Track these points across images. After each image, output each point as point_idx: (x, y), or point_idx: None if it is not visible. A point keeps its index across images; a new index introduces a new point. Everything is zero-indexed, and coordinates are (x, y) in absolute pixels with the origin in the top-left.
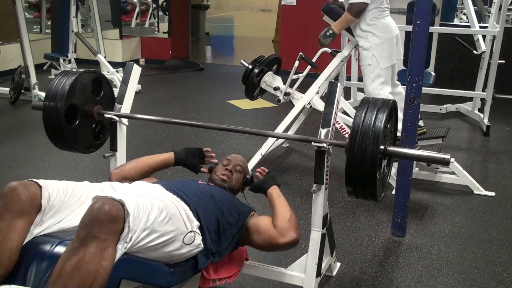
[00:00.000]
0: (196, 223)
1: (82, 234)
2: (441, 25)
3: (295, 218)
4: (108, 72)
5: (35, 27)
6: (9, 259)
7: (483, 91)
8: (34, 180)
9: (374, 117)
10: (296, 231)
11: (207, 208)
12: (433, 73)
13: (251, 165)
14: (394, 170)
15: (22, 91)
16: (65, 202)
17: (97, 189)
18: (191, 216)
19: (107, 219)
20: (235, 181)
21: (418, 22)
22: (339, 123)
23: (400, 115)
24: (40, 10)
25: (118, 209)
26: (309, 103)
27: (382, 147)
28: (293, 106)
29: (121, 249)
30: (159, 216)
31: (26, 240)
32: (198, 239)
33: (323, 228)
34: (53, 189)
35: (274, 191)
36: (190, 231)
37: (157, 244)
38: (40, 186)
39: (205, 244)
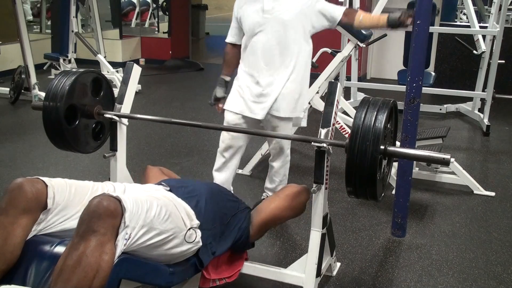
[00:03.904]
0: (196, 222)
1: (81, 229)
2: (441, 25)
3: None
4: (108, 72)
5: (35, 27)
6: (11, 254)
7: (483, 91)
8: (41, 178)
9: (374, 117)
10: None
11: (209, 205)
12: (433, 73)
13: (251, 165)
14: (394, 170)
15: (22, 91)
16: (69, 200)
17: (99, 189)
18: (192, 214)
19: (105, 214)
20: None
21: (418, 22)
22: (339, 123)
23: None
24: (40, 10)
25: (115, 204)
26: (309, 103)
27: (382, 147)
28: None
29: (120, 246)
30: (158, 213)
31: (28, 236)
32: (198, 236)
33: (323, 228)
34: (58, 188)
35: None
36: (189, 229)
37: (156, 242)
38: (46, 185)
39: (206, 241)
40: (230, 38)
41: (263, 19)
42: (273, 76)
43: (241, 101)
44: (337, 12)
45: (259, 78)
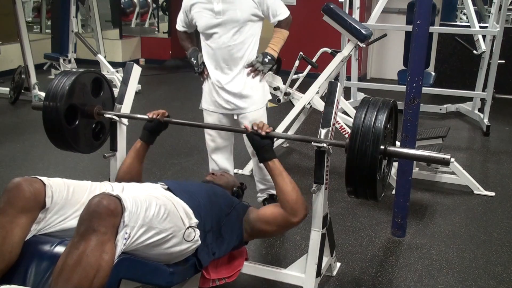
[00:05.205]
0: (194, 220)
1: (81, 228)
2: (441, 25)
3: (300, 193)
4: (108, 72)
5: (35, 27)
6: (10, 254)
7: (483, 91)
8: (39, 177)
9: (374, 117)
10: (305, 206)
11: (207, 206)
12: (433, 73)
13: (251, 165)
14: (394, 170)
15: (22, 91)
16: (68, 200)
17: (97, 189)
18: (190, 213)
19: (105, 213)
20: (219, 179)
21: (418, 22)
22: (339, 123)
23: None
24: (40, 10)
25: (115, 203)
26: (309, 103)
27: (382, 147)
28: (293, 106)
29: (120, 245)
30: (157, 212)
31: (28, 236)
32: (197, 235)
33: (323, 228)
34: (56, 187)
35: (276, 165)
36: (188, 227)
37: (155, 241)
38: (44, 184)
39: (205, 242)
40: (181, 28)
41: (217, 19)
42: (237, 73)
43: (214, 100)
44: (274, 19)
45: (224, 78)
